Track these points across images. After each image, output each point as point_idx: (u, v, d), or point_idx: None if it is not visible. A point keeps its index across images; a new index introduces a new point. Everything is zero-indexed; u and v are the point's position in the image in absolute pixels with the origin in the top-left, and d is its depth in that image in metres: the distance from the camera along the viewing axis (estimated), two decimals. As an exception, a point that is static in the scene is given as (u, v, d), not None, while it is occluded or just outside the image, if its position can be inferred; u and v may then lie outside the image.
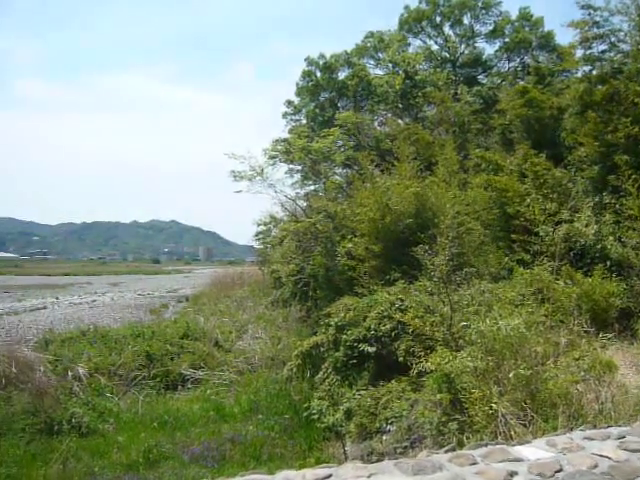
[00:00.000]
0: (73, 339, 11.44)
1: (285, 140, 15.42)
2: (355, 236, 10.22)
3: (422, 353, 5.80)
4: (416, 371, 5.75)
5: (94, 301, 34.34)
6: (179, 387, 9.82)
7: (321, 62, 20.42)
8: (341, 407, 6.34)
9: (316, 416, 6.33)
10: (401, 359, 6.44)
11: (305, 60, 20.78)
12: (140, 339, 10.89)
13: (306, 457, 6.38)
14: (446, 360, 4.78)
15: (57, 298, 36.69)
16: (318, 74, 20.60)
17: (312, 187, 18.38)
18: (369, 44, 21.30)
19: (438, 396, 4.97)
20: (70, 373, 8.93)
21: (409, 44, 21.43)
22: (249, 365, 10.27)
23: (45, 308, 29.52)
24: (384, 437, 6.05)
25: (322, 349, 8.32)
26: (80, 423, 7.26)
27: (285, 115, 22.33)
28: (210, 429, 7.48)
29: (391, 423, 6.02)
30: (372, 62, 21.55)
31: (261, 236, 20.25)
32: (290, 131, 20.70)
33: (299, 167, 17.30)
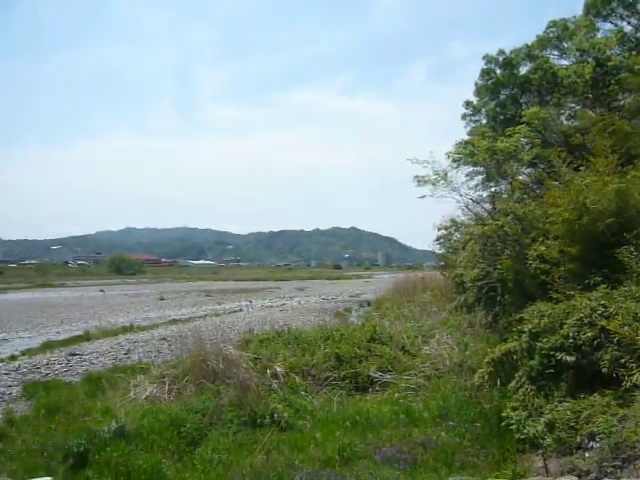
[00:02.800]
0: (269, 339, 12.25)
1: (468, 142, 15.08)
2: (547, 238, 9.65)
3: (633, 365, 5.30)
4: (628, 384, 5.26)
5: (283, 304, 36.38)
6: (368, 389, 10.02)
7: (500, 58, 19.61)
8: (541, 419, 6.01)
9: (514, 426, 6.06)
10: (605, 370, 5.96)
11: (483, 58, 20.10)
12: (330, 341, 11.32)
13: (500, 468, 6.13)
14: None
15: (250, 301, 39.52)
16: (498, 71, 19.80)
17: (494, 188, 17.76)
18: (552, 34, 19.97)
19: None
20: (269, 371, 9.59)
21: (598, 29, 19.65)
22: (436, 370, 10.15)
23: (241, 310, 31.97)
24: (586, 454, 5.63)
25: (514, 357, 7.97)
26: (280, 418, 7.75)
27: (464, 117, 21.81)
28: (400, 432, 7.52)
29: (594, 439, 5.59)
30: (556, 53, 20.19)
31: (442, 240, 20.02)
32: (470, 132, 20.18)
33: (481, 169, 16.82)
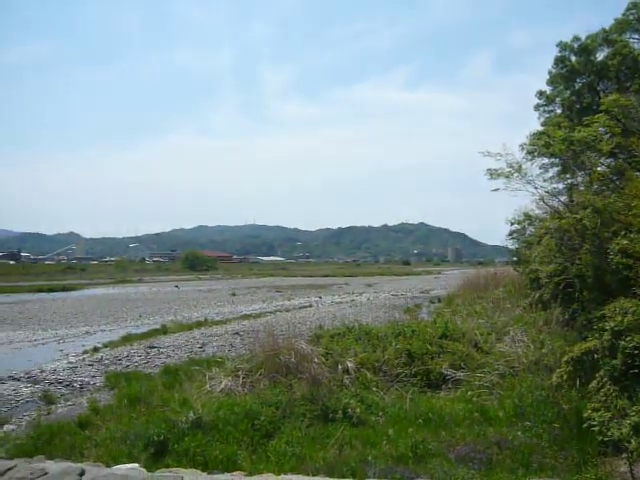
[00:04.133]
0: (340, 335, 12.30)
1: (543, 133, 14.54)
2: (630, 231, 9.20)
3: None
4: None
5: (352, 300, 36.42)
6: (440, 386, 9.88)
7: (575, 45, 18.78)
8: (627, 421, 5.75)
9: (597, 428, 5.83)
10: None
11: (557, 45, 19.30)
12: (401, 337, 11.25)
13: (581, 472, 5.92)
14: None
15: (320, 297, 39.78)
16: (573, 58, 18.99)
17: (571, 181, 17.07)
18: (632, 17, 18.95)
19: None
20: (340, 366, 9.63)
21: (681, 10, 18.52)
22: (510, 368, 9.89)
23: (311, 306, 32.25)
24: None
25: (595, 356, 7.65)
26: (352, 414, 7.77)
27: (537, 107, 21.03)
28: (474, 431, 7.38)
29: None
30: (637, 36, 19.16)
31: (515, 235, 19.44)
32: (544, 123, 19.46)
33: (557, 160, 16.19)
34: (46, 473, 3.70)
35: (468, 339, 11.56)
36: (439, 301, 30.59)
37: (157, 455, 6.80)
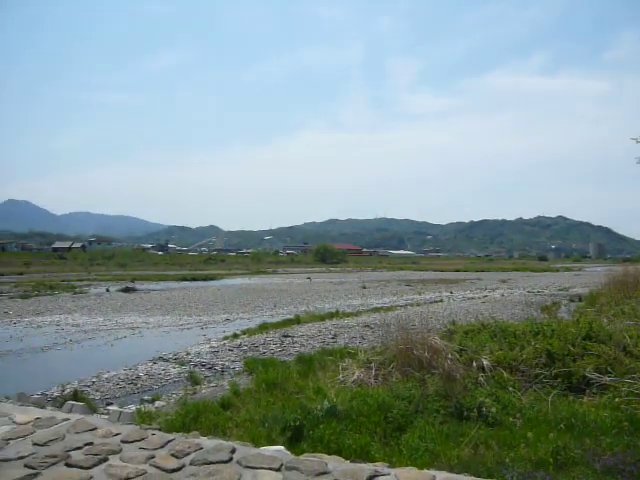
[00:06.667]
0: (474, 331, 11.97)
1: None
2: None
3: None
4: None
5: (485, 296, 35.33)
6: (583, 390, 9.30)
7: None
8: None
9: None
10: None
11: None
12: (540, 336, 10.70)
13: None
14: None
15: (451, 292, 38.98)
16: None
17: None
18: None
19: None
20: (474, 363, 9.38)
21: None
22: (665, 375, 9.06)
23: (442, 301, 31.71)
24: None
25: None
26: (487, 413, 7.55)
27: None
28: (623, 441, 6.86)
29: None
30: None
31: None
32: None
33: None
34: (201, 448, 3.98)
35: (615, 341, 10.72)
36: (580, 300, 28.75)
37: (293, 440, 7.05)
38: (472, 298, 33.93)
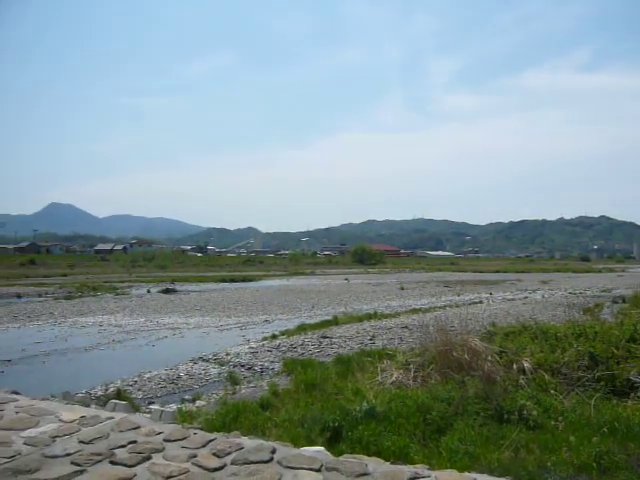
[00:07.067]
0: (515, 333, 11.81)
1: None
2: None
3: None
4: None
5: (525, 298, 34.76)
6: (627, 394, 9.07)
7: None
8: None
9: None
10: None
11: None
12: (582, 339, 10.49)
13: None
14: None
15: (491, 293, 38.48)
16: None
17: None
18: None
19: None
20: (515, 366, 9.25)
21: None
22: None
23: (481, 302, 31.32)
24: None
25: None
26: (528, 416, 7.45)
27: None
28: (670, 446, 6.69)
29: None
30: None
31: None
32: None
33: None
34: (242, 448, 4.04)
35: (662, 345, 10.44)
36: (624, 301, 28.00)
37: (332, 440, 7.07)
38: (512, 299, 33.40)
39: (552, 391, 8.81)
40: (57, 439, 4.29)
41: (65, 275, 65.96)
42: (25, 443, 4.18)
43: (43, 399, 5.93)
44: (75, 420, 4.81)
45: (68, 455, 3.93)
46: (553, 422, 7.63)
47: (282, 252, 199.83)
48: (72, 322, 23.34)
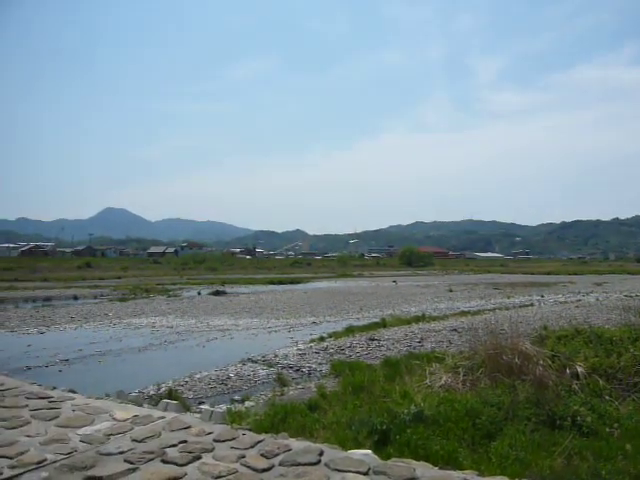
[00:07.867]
0: (567, 337, 11.50)
1: None
2: None
3: None
4: None
5: (579, 300, 33.79)
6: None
7: None
8: None
9: None
10: None
11: None
12: (639, 343, 10.15)
13: None
14: None
15: (542, 296, 37.58)
16: None
17: None
18: None
19: None
20: (568, 370, 9.02)
21: None
22: None
23: (532, 305, 30.63)
24: None
25: None
26: (582, 422, 7.25)
27: None
28: None
29: None
30: None
31: None
32: None
33: None
34: (290, 449, 4.09)
35: None
36: (686, 304, 26.87)
37: (379, 443, 7.06)
38: (564, 302, 32.51)
39: (607, 397, 8.55)
40: (111, 437, 4.44)
41: (119, 277, 67.82)
42: (81, 440, 4.35)
43: (98, 398, 6.14)
44: (128, 419, 4.97)
45: (121, 453, 4.06)
46: (608, 429, 7.41)
47: (330, 254, 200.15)
48: (126, 323, 24.00)
